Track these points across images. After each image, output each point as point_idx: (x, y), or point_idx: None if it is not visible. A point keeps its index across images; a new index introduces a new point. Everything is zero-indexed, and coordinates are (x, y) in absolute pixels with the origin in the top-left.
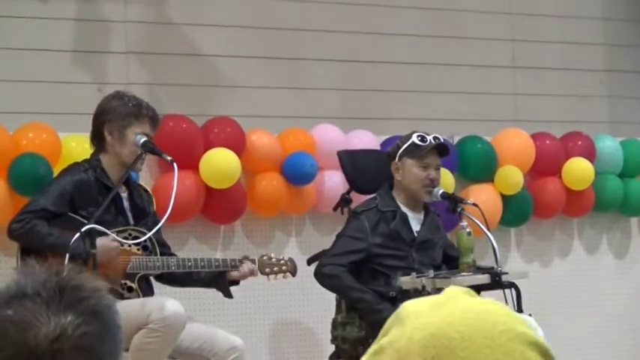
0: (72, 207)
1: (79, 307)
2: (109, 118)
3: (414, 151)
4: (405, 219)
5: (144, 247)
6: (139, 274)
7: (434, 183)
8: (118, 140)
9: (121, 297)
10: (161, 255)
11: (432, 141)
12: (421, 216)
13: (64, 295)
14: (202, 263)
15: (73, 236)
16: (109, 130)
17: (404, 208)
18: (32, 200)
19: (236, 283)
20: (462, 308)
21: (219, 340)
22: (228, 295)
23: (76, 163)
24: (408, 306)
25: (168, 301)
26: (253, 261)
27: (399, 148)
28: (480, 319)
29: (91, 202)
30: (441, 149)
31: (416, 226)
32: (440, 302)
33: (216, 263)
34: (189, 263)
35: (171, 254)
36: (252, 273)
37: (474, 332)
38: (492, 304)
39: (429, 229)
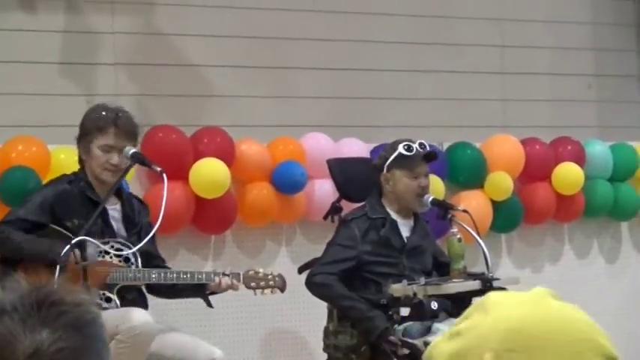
0: (54, 217)
1: (56, 322)
2: (80, 135)
3: (402, 161)
4: (394, 226)
5: (126, 259)
6: (119, 285)
7: (425, 191)
8: (87, 156)
9: (100, 307)
10: (154, 267)
11: (419, 149)
12: (411, 222)
13: (41, 310)
14: (185, 275)
15: (46, 242)
16: (81, 147)
17: (393, 215)
18: (10, 212)
19: (216, 292)
20: (547, 309)
21: (200, 351)
22: (209, 304)
23: (64, 175)
24: (494, 296)
25: (135, 311)
26: (238, 276)
27: (387, 159)
28: (563, 324)
29: (74, 214)
30: (429, 156)
31: (406, 233)
32: (526, 299)
33: (199, 276)
34: (171, 275)
35: (165, 267)
36: (230, 287)
37: (555, 335)
38: (577, 312)
39: (419, 235)
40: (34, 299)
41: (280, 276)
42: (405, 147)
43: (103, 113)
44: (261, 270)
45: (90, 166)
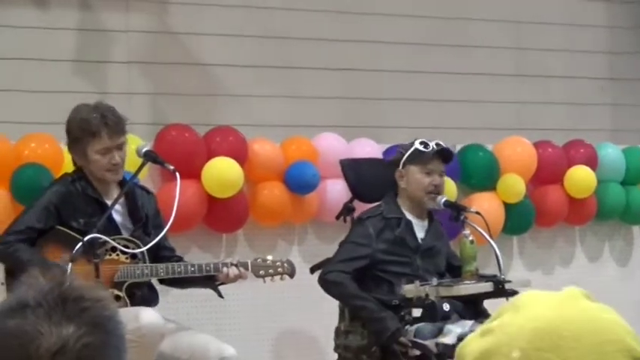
0: (59, 219)
1: (80, 317)
2: (70, 140)
3: (417, 157)
4: (409, 226)
5: (133, 256)
6: (127, 283)
7: (438, 189)
8: (85, 161)
9: None
10: (166, 259)
11: (435, 147)
12: (425, 223)
13: (66, 305)
14: (192, 268)
15: (52, 262)
16: (74, 153)
17: (409, 216)
18: (19, 217)
19: (225, 282)
20: (578, 309)
21: (211, 348)
22: (219, 294)
23: (66, 174)
24: (526, 296)
25: (143, 311)
26: (246, 264)
27: (402, 155)
28: (594, 324)
29: (79, 214)
30: (445, 155)
31: (420, 233)
32: (558, 299)
33: (207, 268)
34: (179, 269)
35: (176, 257)
36: (238, 277)
37: (585, 335)
38: (608, 312)
39: (434, 236)
40: (58, 295)
41: (289, 262)
42: (422, 143)
43: (91, 116)
44: (269, 257)
45: (89, 169)
